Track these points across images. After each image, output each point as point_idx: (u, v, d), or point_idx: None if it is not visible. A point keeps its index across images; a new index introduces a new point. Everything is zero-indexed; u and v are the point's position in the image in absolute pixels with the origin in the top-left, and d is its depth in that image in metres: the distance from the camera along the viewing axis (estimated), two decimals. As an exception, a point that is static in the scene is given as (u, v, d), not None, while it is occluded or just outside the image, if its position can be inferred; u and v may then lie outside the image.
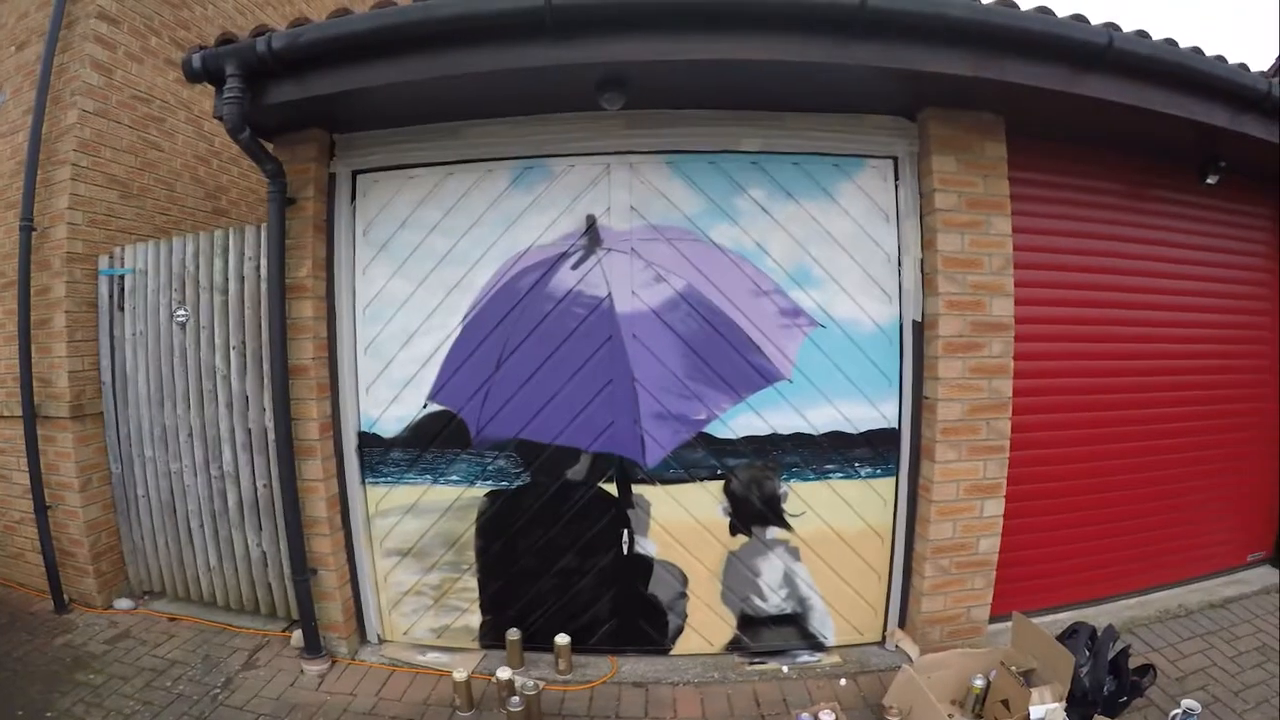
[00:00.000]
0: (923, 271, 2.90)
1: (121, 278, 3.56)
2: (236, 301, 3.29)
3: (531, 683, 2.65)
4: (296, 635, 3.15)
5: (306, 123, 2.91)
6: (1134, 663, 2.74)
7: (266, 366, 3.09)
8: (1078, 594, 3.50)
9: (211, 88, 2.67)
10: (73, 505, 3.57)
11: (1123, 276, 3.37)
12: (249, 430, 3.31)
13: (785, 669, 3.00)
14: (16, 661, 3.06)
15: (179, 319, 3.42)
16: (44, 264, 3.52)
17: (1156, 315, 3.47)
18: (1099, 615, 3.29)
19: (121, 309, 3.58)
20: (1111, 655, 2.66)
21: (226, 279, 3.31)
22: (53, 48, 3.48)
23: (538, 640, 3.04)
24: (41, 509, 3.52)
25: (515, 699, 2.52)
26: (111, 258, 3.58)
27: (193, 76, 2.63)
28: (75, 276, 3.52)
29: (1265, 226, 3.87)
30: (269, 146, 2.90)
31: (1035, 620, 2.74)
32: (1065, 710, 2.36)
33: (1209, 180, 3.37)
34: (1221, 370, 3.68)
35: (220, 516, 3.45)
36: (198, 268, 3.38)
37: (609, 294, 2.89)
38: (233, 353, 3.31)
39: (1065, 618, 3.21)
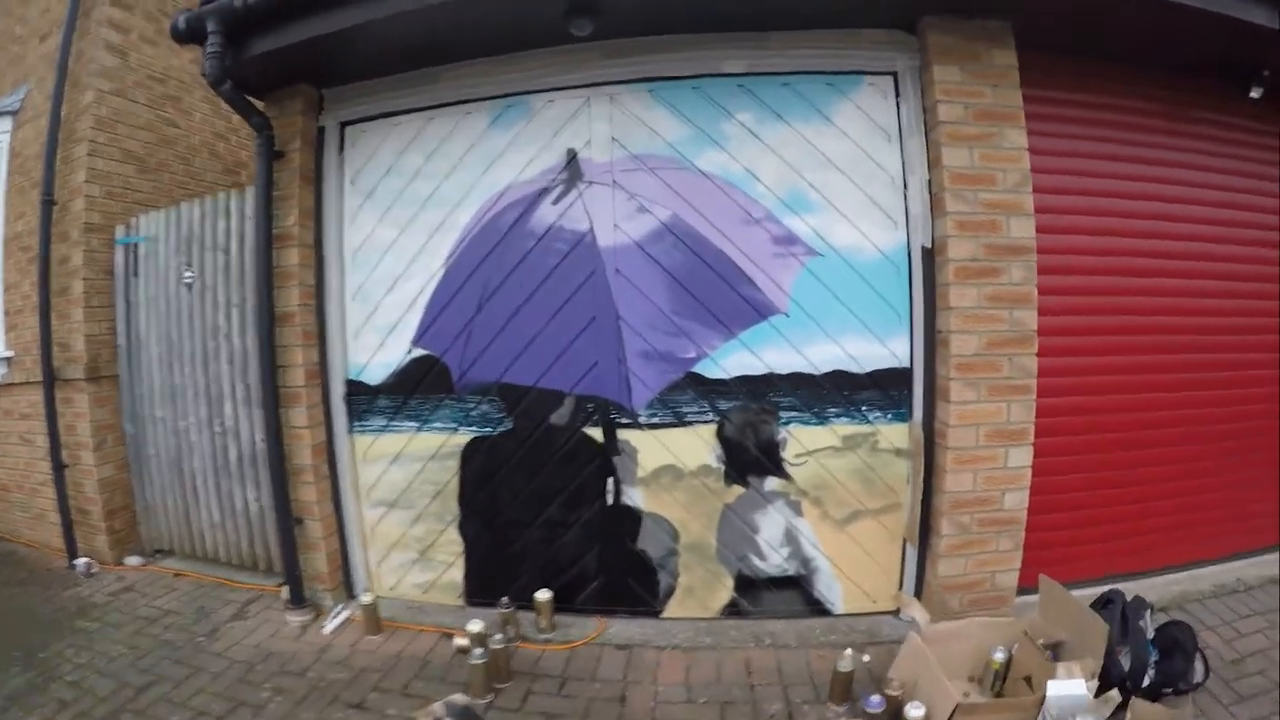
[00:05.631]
0: (930, 192, 2.63)
1: (137, 245, 3.69)
2: (237, 260, 3.34)
3: (499, 636, 2.51)
4: (286, 589, 3.11)
5: (293, 78, 2.93)
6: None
7: (251, 315, 3.10)
8: (1118, 565, 3.03)
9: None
10: (88, 464, 3.70)
11: (1165, 204, 2.96)
12: (248, 385, 3.33)
13: (786, 636, 2.73)
14: (26, 611, 3.19)
15: (185, 280, 3.51)
16: (63, 235, 3.70)
17: (1206, 248, 3.03)
18: (1142, 589, 2.81)
19: (136, 275, 3.70)
20: (1152, 632, 2.25)
21: (229, 238, 3.37)
22: (70, 34, 3.68)
23: (522, 597, 2.87)
24: (59, 468, 3.67)
25: (478, 651, 2.39)
26: (128, 227, 3.73)
27: (179, 38, 2.70)
28: (93, 246, 3.68)
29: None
30: (259, 104, 2.95)
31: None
32: (1095, 693, 2.01)
33: (1253, 94, 2.95)
34: None
35: (222, 472, 3.49)
36: (203, 230, 3.46)
37: (590, 228, 2.76)
38: (234, 310, 3.36)
39: (1099, 592, 2.80)
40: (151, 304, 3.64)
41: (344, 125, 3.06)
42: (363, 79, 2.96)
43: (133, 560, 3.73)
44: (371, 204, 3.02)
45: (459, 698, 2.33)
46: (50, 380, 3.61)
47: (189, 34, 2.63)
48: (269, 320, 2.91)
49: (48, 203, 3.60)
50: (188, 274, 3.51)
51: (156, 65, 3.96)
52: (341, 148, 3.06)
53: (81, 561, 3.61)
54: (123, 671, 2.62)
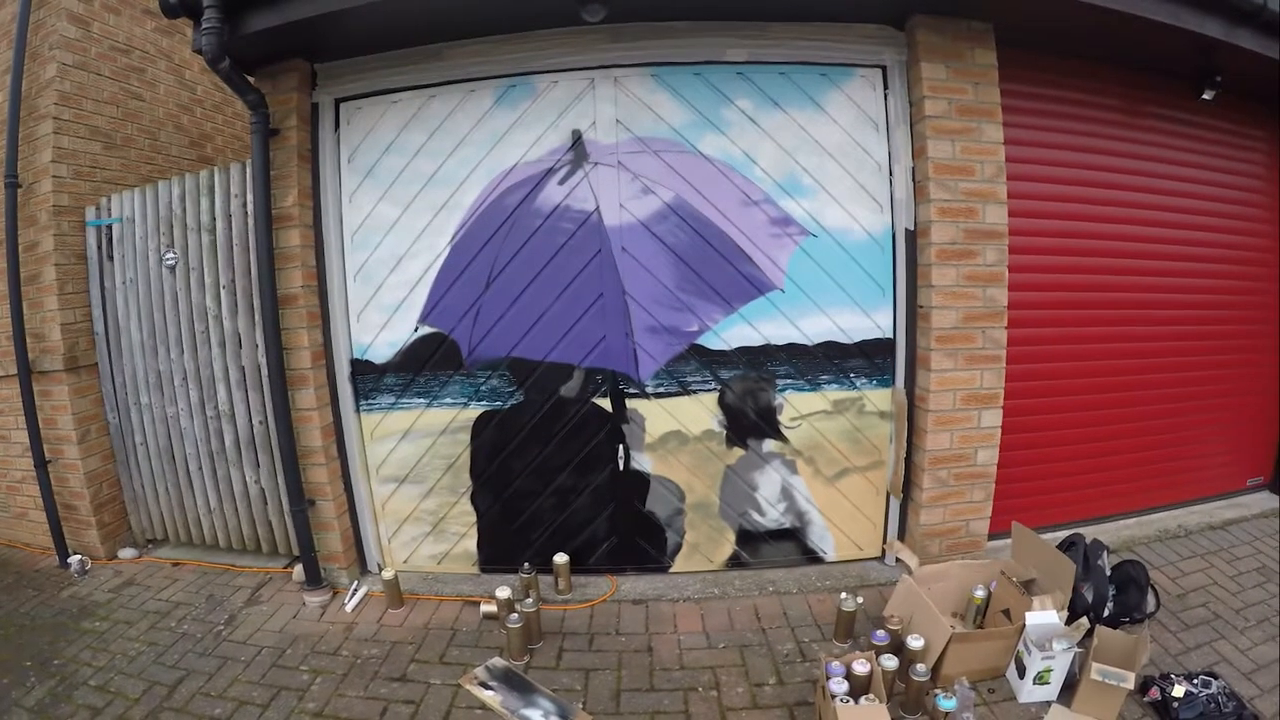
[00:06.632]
0: (914, 180, 2.86)
1: (109, 227, 3.54)
2: (224, 240, 3.26)
3: (530, 599, 2.65)
4: (298, 570, 3.16)
5: (287, 53, 2.87)
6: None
7: (256, 299, 3.07)
8: (1076, 512, 3.48)
9: (189, 39, 2.64)
10: (72, 458, 3.57)
11: (1121, 191, 3.32)
12: (242, 368, 3.29)
13: (786, 583, 2.99)
14: (24, 616, 3.07)
15: (168, 262, 3.40)
16: (31, 219, 3.49)
17: (1155, 232, 3.41)
18: (1097, 534, 3.23)
19: (111, 258, 3.56)
20: (1110, 569, 2.59)
21: (214, 218, 3.28)
22: (28, 3, 3.43)
23: (537, 561, 3.03)
24: (41, 464, 3.52)
25: (514, 616, 2.52)
26: (98, 208, 3.56)
27: (170, 12, 2.59)
28: (63, 229, 3.49)
29: (1264, 149, 3.80)
30: (250, 79, 2.88)
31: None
32: (1065, 623, 2.31)
33: (1205, 96, 3.31)
34: (1222, 291, 3.64)
35: (218, 456, 3.45)
36: (184, 210, 3.35)
37: (597, 208, 2.86)
38: (223, 292, 3.29)
39: (1063, 536, 3.18)
40: (130, 288, 3.52)
41: (339, 102, 3.02)
42: (360, 54, 2.92)
43: (126, 553, 3.65)
44: (371, 182, 3.01)
45: (498, 661, 2.47)
46: (26, 373, 3.44)
47: (183, 9, 2.55)
48: (273, 303, 2.89)
49: (12, 185, 3.39)
50: (169, 256, 3.40)
51: (120, 35, 3.73)
52: (337, 125, 3.02)
53: (75, 559, 3.50)
54: (148, 670, 2.58)
